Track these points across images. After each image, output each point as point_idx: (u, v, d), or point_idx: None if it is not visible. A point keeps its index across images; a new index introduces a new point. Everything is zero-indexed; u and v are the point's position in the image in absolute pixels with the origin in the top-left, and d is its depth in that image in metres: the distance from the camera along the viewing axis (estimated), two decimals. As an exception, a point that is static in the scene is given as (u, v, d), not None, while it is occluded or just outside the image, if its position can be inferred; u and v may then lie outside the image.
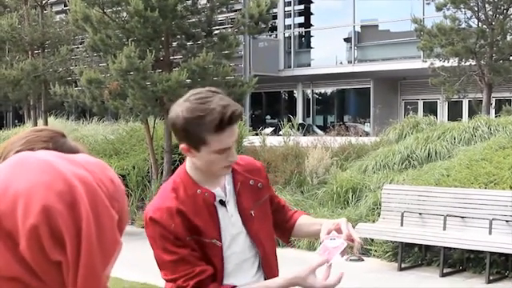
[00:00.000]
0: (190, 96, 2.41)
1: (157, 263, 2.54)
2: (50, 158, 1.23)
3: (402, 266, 9.17)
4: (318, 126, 31.31)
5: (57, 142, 1.68)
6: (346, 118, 33.37)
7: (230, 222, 2.54)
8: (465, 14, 18.78)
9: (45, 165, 1.20)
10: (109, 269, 1.24)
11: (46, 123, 17.34)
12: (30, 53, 17.93)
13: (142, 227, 2.81)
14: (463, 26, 18.75)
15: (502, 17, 18.57)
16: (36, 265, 1.15)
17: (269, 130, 23.12)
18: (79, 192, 1.17)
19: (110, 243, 1.22)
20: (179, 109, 2.38)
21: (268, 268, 2.62)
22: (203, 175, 2.52)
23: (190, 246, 2.44)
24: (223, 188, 2.57)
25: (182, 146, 2.44)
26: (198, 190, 2.48)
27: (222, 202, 2.54)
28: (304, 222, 2.84)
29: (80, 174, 1.21)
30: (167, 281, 2.52)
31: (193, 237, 2.44)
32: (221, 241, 2.50)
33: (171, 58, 13.57)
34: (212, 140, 2.38)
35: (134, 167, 13.99)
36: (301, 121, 29.67)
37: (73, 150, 1.58)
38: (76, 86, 14.94)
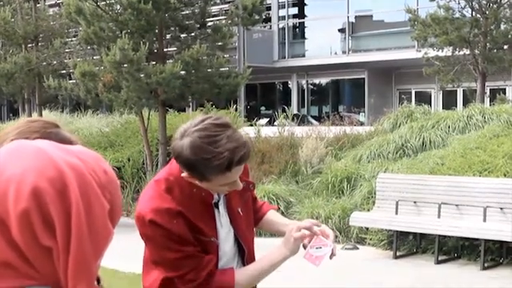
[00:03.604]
0: (196, 129, 2.28)
1: (154, 261, 2.52)
2: (44, 145, 1.25)
3: (397, 254, 9.20)
4: (313, 117, 31.28)
5: (50, 133, 1.69)
6: (340, 108, 33.39)
7: (221, 222, 2.55)
8: (458, 3, 18.77)
9: (38, 152, 1.21)
10: (100, 258, 1.25)
11: (40, 116, 17.33)
12: (23, 46, 17.90)
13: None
14: (457, 15, 18.72)
15: (495, 6, 18.55)
16: (27, 250, 1.16)
17: (264, 120, 23.12)
18: (69, 179, 1.19)
19: (101, 231, 1.22)
20: (184, 143, 2.27)
21: (250, 262, 2.64)
22: None
23: (193, 244, 2.43)
24: None
25: (184, 174, 2.37)
26: (194, 189, 2.44)
27: (215, 204, 2.54)
28: (273, 219, 2.86)
29: (72, 162, 1.22)
30: (167, 278, 2.49)
31: (193, 235, 2.44)
32: (218, 239, 2.52)
33: (165, 50, 13.56)
34: (217, 179, 2.34)
35: (129, 159, 13.99)
36: (296, 111, 29.67)
37: (66, 141, 1.59)
38: (70, 79, 14.93)
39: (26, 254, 1.17)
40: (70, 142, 1.55)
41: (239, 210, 2.61)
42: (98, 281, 1.87)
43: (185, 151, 2.27)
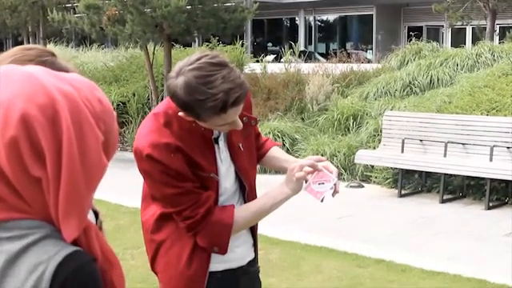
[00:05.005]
0: (191, 68, 2.20)
1: (151, 196, 2.50)
2: (35, 71, 1.17)
3: (402, 192, 9.19)
4: (321, 54, 31.06)
5: (46, 61, 1.62)
6: (348, 45, 33.09)
7: (221, 158, 2.50)
8: None
9: (28, 77, 1.14)
10: (93, 191, 1.19)
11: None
12: (26, -22, 17.66)
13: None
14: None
15: None
16: (16, 180, 1.10)
17: (270, 57, 22.92)
18: (61, 106, 1.11)
19: (94, 163, 1.16)
20: (179, 82, 2.20)
21: (251, 199, 2.60)
22: None
23: (191, 180, 2.39)
24: None
25: (181, 113, 2.32)
26: (194, 124, 2.37)
27: (215, 139, 2.49)
28: (276, 155, 2.81)
29: (64, 90, 1.15)
30: (164, 214, 2.49)
31: (192, 170, 2.39)
32: (218, 175, 2.47)
33: (170, -18, 13.33)
34: (212, 119, 2.28)
35: (134, 94, 13.93)
36: (302, 48, 29.42)
37: (62, 70, 1.53)
38: (74, 13, 14.75)
39: (14, 185, 1.11)
40: (66, 71, 1.48)
41: (240, 145, 2.56)
42: (97, 215, 1.81)
43: (179, 91, 2.21)
